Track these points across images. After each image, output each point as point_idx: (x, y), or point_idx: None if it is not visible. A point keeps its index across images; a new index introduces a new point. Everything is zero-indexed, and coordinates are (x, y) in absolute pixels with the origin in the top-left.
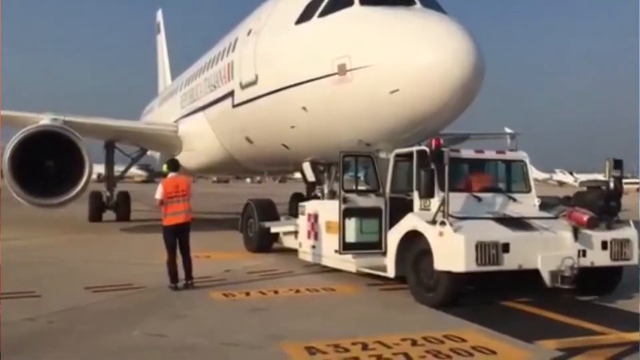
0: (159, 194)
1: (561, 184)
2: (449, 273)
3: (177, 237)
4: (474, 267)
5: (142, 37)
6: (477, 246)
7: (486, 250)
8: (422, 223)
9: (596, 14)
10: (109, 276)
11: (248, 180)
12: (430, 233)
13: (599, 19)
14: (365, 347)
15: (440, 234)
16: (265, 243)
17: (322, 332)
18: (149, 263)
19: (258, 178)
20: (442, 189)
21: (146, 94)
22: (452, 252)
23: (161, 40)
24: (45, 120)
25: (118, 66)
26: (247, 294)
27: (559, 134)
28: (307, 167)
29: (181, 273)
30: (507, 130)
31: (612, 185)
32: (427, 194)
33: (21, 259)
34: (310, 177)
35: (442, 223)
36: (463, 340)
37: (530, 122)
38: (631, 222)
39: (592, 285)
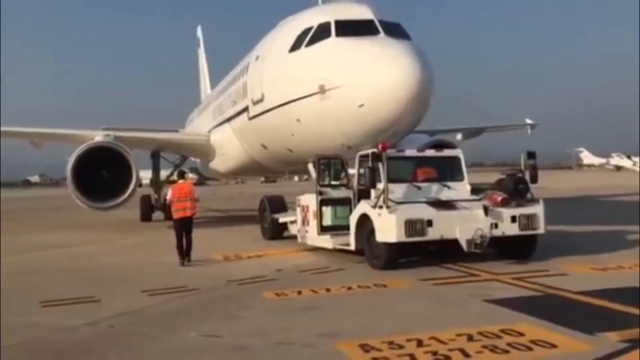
0: (169, 195)
1: (618, 168)
2: (386, 244)
3: (183, 227)
4: (403, 238)
5: (186, 51)
6: (406, 223)
7: (413, 226)
8: (369, 208)
9: None
10: (163, 279)
11: (296, 178)
12: (374, 215)
13: None
14: (420, 343)
15: (379, 215)
16: (277, 232)
17: (375, 329)
18: (199, 264)
19: (305, 177)
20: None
21: (192, 102)
22: (387, 228)
23: (201, 53)
24: (99, 137)
25: (166, 78)
26: (299, 292)
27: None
28: (310, 167)
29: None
30: (528, 121)
31: (527, 172)
32: (371, 185)
33: (80, 265)
34: (314, 175)
35: (381, 207)
36: (520, 334)
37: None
38: (541, 201)
39: (511, 252)
